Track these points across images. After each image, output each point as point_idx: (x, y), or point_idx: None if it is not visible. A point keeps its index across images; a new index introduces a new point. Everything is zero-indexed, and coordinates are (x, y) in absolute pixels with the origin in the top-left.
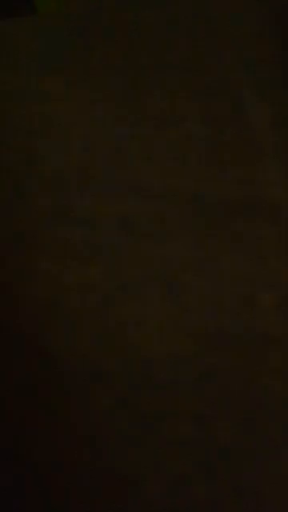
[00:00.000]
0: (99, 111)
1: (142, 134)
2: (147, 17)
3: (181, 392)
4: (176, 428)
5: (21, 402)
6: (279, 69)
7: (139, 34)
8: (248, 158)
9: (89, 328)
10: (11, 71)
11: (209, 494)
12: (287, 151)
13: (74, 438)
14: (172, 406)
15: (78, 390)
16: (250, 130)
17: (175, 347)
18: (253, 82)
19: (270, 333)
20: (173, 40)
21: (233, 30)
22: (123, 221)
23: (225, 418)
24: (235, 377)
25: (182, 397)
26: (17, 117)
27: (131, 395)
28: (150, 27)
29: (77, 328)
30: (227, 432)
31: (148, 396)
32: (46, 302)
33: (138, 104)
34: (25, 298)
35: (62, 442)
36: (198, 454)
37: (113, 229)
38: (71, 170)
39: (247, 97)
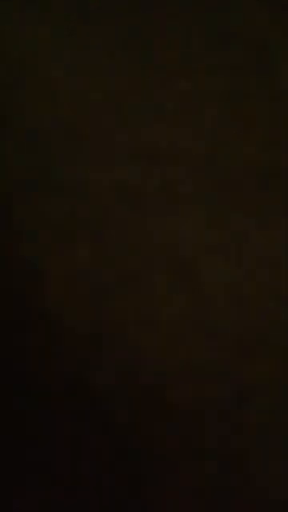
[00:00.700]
0: (94, 59)
1: (145, 86)
2: None
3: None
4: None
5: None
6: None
7: None
8: (273, 116)
9: (76, 329)
10: (6, 17)
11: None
12: None
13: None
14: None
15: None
16: (277, 83)
17: (195, 357)
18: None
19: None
20: None
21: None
22: (122, 191)
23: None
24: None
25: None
26: None
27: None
28: None
29: (61, 327)
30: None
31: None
32: (22, 299)
33: (141, 52)
34: None
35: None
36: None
37: (109, 201)
38: (56, 127)
39: (275, 50)
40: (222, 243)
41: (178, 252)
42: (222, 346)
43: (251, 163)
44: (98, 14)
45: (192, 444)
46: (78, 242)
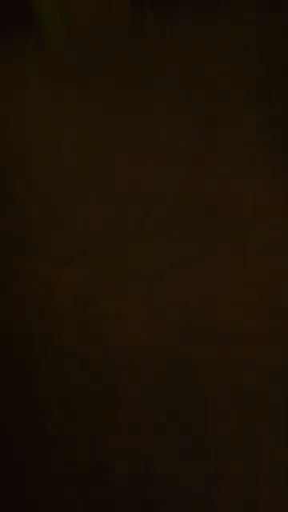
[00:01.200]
0: (91, 119)
1: (130, 137)
2: (141, 46)
3: (155, 380)
4: (145, 413)
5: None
6: (255, 91)
7: (135, 60)
8: (221, 170)
9: (71, 319)
10: (17, 91)
11: (175, 478)
12: (257, 166)
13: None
14: (147, 392)
15: (53, 367)
16: (240, 135)
17: (151, 337)
18: (227, 106)
19: (244, 330)
20: (165, 63)
21: (215, 51)
22: (109, 223)
23: (197, 408)
24: (209, 368)
25: (156, 384)
26: (14, 128)
27: (104, 376)
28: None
29: (62, 319)
30: (200, 420)
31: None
32: (36, 298)
33: (127, 109)
34: (18, 292)
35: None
36: (173, 441)
37: (98, 232)
38: (61, 174)
39: (220, 120)
40: (186, 262)
41: (149, 269)
42: (170, 331)
43: (211, 198)
44: (96, 84)
45: None
46: (77, 262)
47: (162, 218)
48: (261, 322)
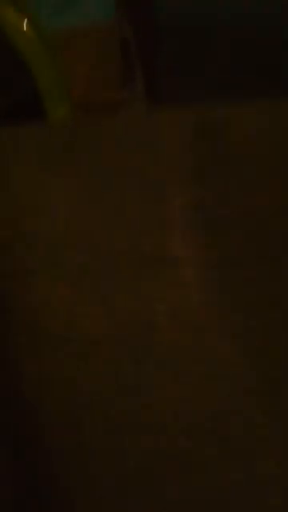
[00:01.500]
0: (76, 201)
1: (101, 215)
2: (115, 138)
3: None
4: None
5: None
6: (191, 173)
7: (109, 150)
8: (164, 230)
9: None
10: (18, 166)
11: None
12: (188, 227)
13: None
14: None
15: None
16: (167, 213)
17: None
18: (173, 181)
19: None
20: (127, 154)
21: (166, 145)
22: (85, 265)
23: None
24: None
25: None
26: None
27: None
28: (116, 145)
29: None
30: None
31: None
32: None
33: (101, 195)
34: None
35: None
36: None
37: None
38: (56, 235)
39: (168, 191)
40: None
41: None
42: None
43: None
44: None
45: None
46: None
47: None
48: None
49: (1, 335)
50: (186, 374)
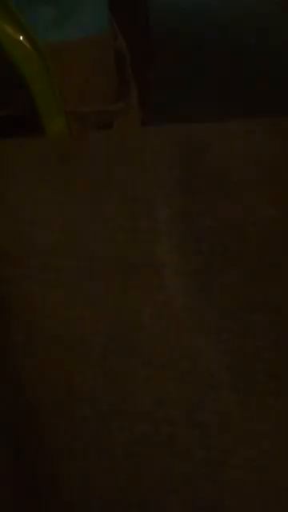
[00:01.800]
0: (69, 210)
1: (93, 224)
2: (105, 151)
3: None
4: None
5: None
6: (178, 186)
7: (100, 163)
8: (150, 239)
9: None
10: (13, 181)
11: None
12: (174, 236)
13: None
14: None
15: None
16: (155, 223)
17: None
18: (161, 194)
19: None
20: (116, 167)
21: (154, 159)
22: (77, 271)
23: None
24: None
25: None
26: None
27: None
28: (104, 160)
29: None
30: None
31: None
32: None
33: (92, 206)
34: None
35: None
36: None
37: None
38: (51, 242)
39: (156, 203)
40: (119, 297)
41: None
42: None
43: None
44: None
45: None
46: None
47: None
48: None
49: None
50: (169, 368)
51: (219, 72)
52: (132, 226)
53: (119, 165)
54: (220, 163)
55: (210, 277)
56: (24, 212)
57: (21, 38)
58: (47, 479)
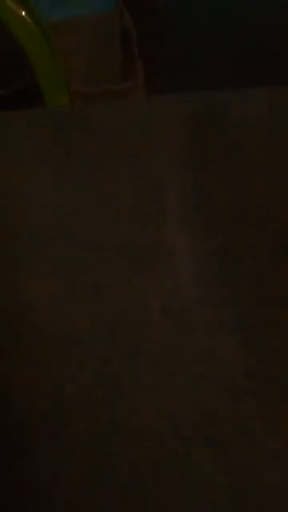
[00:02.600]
0: (67, 189)
1: (93, 204)
2: (104, 124)
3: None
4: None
5: None
6: (191, 159)
7: (101, 136)
8: (159, 219)
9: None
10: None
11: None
12: (187, 216)
13: None
14: None
15: None
16: (164, 201)
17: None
18: (171, 168)
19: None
20: (120, 140)
21: (162, 131)
22: (75, 258)
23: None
24: None
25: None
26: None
27: None
28: (106, 132)
29: None
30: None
31: None
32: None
33: (92, 184)
34: None
35: None
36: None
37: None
38: (44, 224)
39: (165, 178)
40: (125, 284)
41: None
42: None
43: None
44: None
45: None
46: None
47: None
48: None
49: None
50: (181, 375)
51: (231, 51)
52: (137, 206)
53: (123, 138)
54: (237, 136)
55: (226, 263)
56: (12, 190)
57: (23, 13)
58: (37, 509)
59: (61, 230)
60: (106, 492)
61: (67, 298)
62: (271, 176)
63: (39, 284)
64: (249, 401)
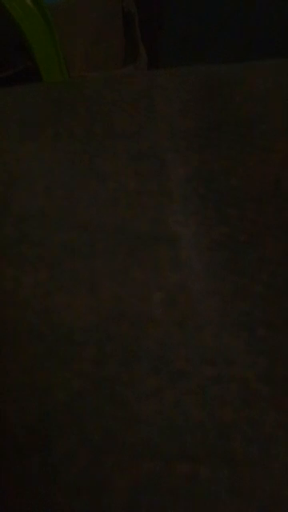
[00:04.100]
0: (59, 168)
1: (87, 186)
2: (102, 99)
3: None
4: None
5: None
6: (196, 138)
7: (98, 110)
8: (161, 204)
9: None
10: None
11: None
12: (192, 201)
13: None
14: None
15: None
16: (167, 185)
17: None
18: (174, 148)
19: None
20: (119, 115)
21: (165, 106)
22: (67, 245)
23: None
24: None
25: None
26: None
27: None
28: (104, 107)
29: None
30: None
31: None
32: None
33: (87, 163)
34: None
35: None
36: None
37: (58, 250)
38: (33, 208)
39: (168, 159)
40: (117, 274)
41: (90, 278)
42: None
43: (143, 230)
44: (64, 135)
45: None
46: (38, 269)
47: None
48: None
49: None
50: (186, 379)
51: (234, 34)
52: (138, 187)
53: (122, 112)
54: (247, 109)
55: (237, 251)
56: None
57: None
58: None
59: (51, 215)
60: None
61: (57, 291)
62: (284, 155)
63: (26, 275)
64: (266, 408)
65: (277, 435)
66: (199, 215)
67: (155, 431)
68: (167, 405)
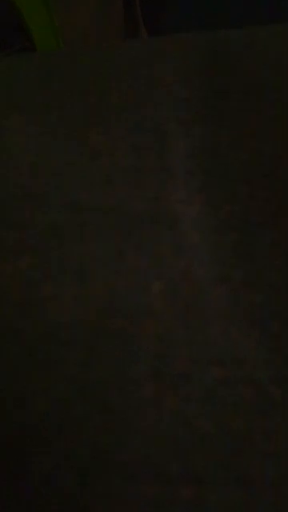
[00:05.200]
0: (47, 143)
1: (78, 162)
2: (97, 67)
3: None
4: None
5: None
6: (200, 108)
7: (90, 82)
8: (162, 181)
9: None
10: None
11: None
12: (196, 177)
13: None
14: None
15: None
16: (168, 160)
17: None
18: (176, 119)
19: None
20: (114, 85)
21: (165, 73)
22: (53, 228)
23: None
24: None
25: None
26: None
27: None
28: (99, 76)
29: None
30: None
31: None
32: None
33: (79, 137)
34: None
35: None
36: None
37: (43, 233)
38: (15, 186)
39: (170, 132)
40: (112, 259)
41: (82, 264)
42: (95, 308)
43: (141, 210)
44: (54, 108)
45: None
46: (22, 256)
47: (99, 225)
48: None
49: None
50: (189, 382)
51: (238, 18)
52: (136, 163)
53: (119, 82)
54: (257, 76)
55: (248, 234)
56: None
57: None
58: None
59: (35, 194)
60: None
61: (40, 281)
62: None
63: (3, 262)
64: (281, 415)
65: None
66: (204, 193)
67: (153, 447)
68: (167, 414)
